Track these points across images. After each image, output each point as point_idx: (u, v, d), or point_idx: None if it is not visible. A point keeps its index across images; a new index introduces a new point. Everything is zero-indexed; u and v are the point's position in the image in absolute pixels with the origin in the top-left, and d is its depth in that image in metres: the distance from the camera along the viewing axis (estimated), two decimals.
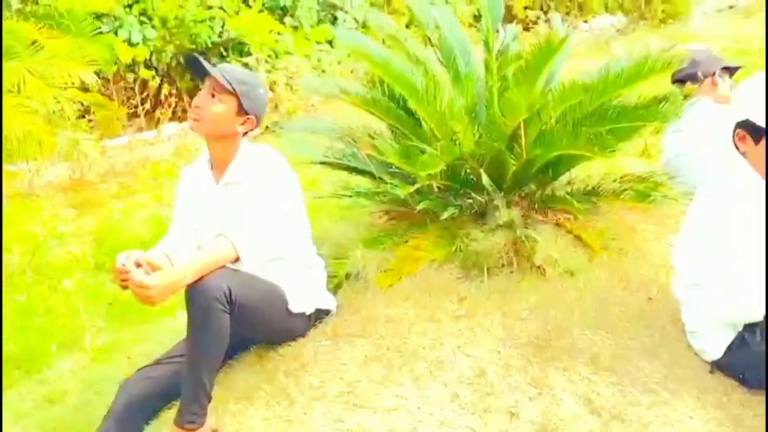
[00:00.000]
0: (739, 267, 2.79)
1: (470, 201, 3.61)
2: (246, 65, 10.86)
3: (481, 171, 3.44)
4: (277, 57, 11.24)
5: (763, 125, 2.78)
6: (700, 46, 12.44)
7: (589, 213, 3.69)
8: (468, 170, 3.60)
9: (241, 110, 3.30)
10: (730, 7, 16.70)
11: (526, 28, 13.64)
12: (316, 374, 3.31)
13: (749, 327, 2.89)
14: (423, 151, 3.47)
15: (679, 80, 4.35)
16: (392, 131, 3.91)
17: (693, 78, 4.27)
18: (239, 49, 11.54)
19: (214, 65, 3.33)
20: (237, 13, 11.96)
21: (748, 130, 2.85)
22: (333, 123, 4.04)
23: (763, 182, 2.87)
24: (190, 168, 3.58)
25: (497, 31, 4.06)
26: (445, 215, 3.48)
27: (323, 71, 11.18)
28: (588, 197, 3.66)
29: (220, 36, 11.44)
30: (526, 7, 16.76)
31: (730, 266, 2.80)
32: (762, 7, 15.31)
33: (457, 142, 3.55)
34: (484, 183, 3.43)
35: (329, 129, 3.99)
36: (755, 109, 2.81)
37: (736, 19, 15.02)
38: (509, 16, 16.85)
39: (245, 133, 3.35)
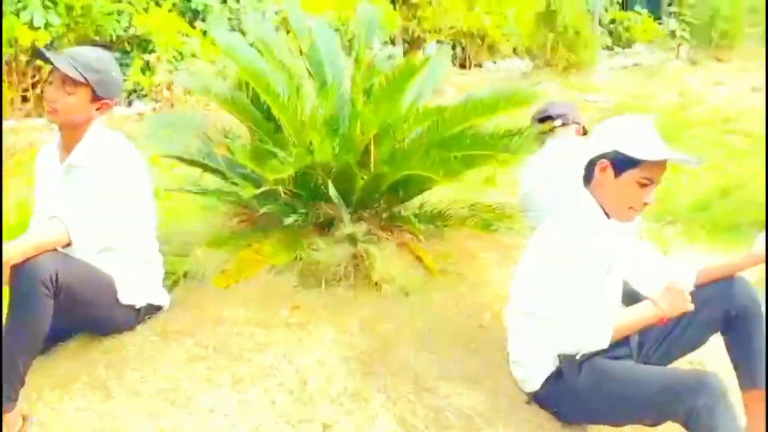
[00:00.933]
0: (574, 301, 2.83)
1: (318, 211, 3.61)
2: (147, 63, 10.73)
3: (329, 182, 3.43)
4: (182, 59, 11.10)
5: (635, 156, 2.84)
6: (599, 96, 12.78)
7: (435, 236, 3.72)
8: (319, 180, 3.59)
9: (96, 97, 3.23)
10: (635, 65, 17.23)
11: None
12: (137, 369, 3.24)
13: (567, 361, 2.93)
14: (276, 156, 3.45)
15: (544, 119, 4.44)
16: (252, 134, 3.89)
17: (564, 119, 4.37)
18: (144, 46, 11.37)
19: (60, 54, 3.23)
20: (146, 10, 11.79)
21: (614, 161, 2.89)
22: (198, 121, 3.99)
23: (604, 218, 2.94)
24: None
25: (371, 47, 4.08)
26: (288, 221, 3.47)
27: (225, 78, 11.09)
28: (433, 220, 3.69)
29: (125, 30, 11.27)
30: (438, 41, 16.94)
31: (564, 299, 2.85)
32: (662, 69, 15.85)
33: (311, 151, 3.54)
34: (331, 194, 3.43)
35: (188, 126, 3.94)
36: (626, 142, 2.86)
37: (638, 76, 15.47)
38: (420, 45, 17.02)
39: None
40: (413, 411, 3.06)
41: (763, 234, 3.15)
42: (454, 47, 17.46)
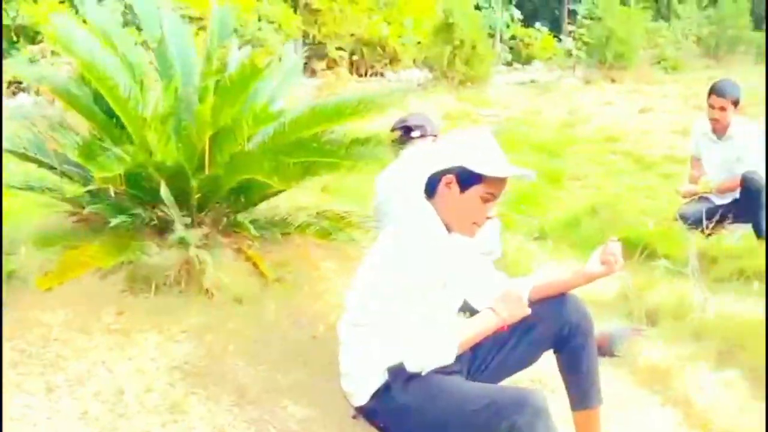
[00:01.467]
0: (418, 316, 2.76)
1: (153, 213, 3.46)
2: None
3: (162, 183, 3.29)
4: None
5: (482, 172, 2.79)
6: (491, 110, 12.86)
7: (277, 243, 3.61)
8: (155, 181, 3.44)
9: None
10: (532, 81, 17.48)
11: (330, 67, 13.75)
12: None
13: (395, 375, 2.85)
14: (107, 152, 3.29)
15: (403, 130, 4.38)
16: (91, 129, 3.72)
17: (422, 131, 4.33)
18: (31, 36, 11.04)
19: None
20: (35, 0, 11.47)
21: (459, 177, 2.84)
22: (30, 112, 3.81)
23: (445, 232, 2.88)
24: None
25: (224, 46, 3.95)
26: (114, 222, 3.30)
27: None
28: (272, 227, 3.58)
29: (13, 20, 10.92)
30: (338, 48, 16.93)
31: (407, 315, 2.77)
32: (556, 86, 16.11)
33: (148, 150, 3.40)
34: (163, 195, 3.29)
35: (23, 117, 3.75)
36: (471, 157, 2.81)
37: (533, 93, 15.68)
38: (322, 53, 16.99)
39: None
40: (233, 424, 2.94)
41: (598, 252, 3.13)
42: (353, 54, 17.48)
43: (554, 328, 3.02)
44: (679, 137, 10.27)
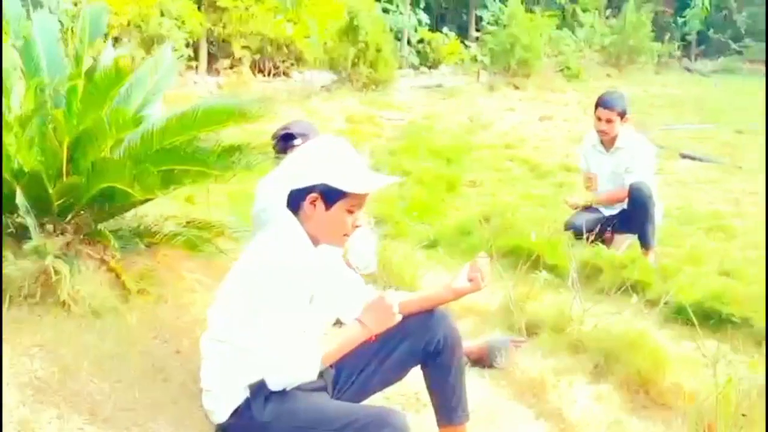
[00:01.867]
0: (280, 332, 2.67)
1: (10, 220, 3.30)
2: None
3: (18, 189, 3.14)
4: None
5: (347, 189, 2.72)
6: (393, 114, 12.79)
7: (141, 254, 3.47)
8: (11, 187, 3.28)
9: None
10: (438, 86, 17.55)
11: (233, 66, 13.56)
12: None
13: (256, 392, 2.76)
14: None
15: (286, 137, 4.30)
16: None
17: (305, 139, 4.25)
18: None
19: None
20: None
21: (323, 194, 2.76)
22: None
23: (311, 245, 2.81)
24: None
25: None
26: None
27: None
28: (136, 237, 3.45)
29: None
30: (244, 47, 16.73)
31: (269, 330, 2.68)
32: (461, 91, 16.20)
33: (7, 155, 3.23)
34: (18, 202, 3.13)
35: None
36: (334, 174, 2.74)
37: (437, 97, 15.73)
38: (228, 51, 16.74)
39: None
40: None
41: (466, 268, 3.10)
42: (259, 54, 17.30)
43: (421, 344, 2.98)
44: (576, 145, 10.37)
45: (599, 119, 6.35)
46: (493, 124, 12.41)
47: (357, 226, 2.88)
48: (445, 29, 22.27)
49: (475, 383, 4.19)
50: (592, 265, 5.98)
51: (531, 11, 19.13)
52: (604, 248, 6.26)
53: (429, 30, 22.36)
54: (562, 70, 18.73)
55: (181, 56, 16.70)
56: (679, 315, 5.35)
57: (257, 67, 16.77)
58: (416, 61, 21.32)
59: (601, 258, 5.97)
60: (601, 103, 6.35)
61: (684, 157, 11.07)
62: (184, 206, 3.93)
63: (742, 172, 10.36)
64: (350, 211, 2.82)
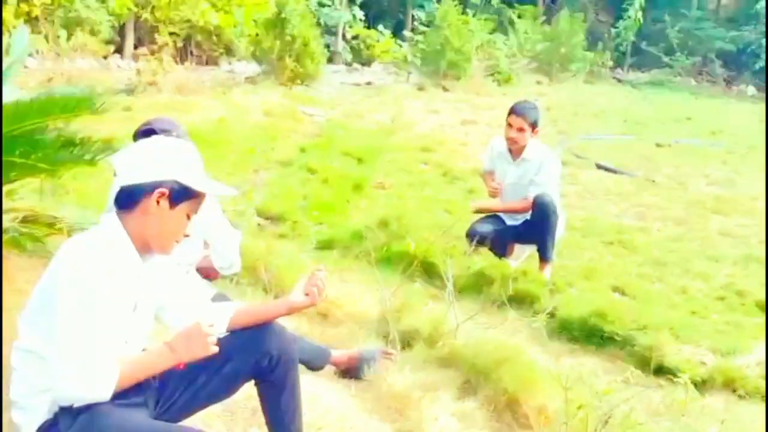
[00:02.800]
0: (77, 344, 2.48)
1: None
2: None
3: None
4: None
5: (201, 189, 2.59)
6: (315, 110, 12.65)
7: None
8: None
9: None
10: (368, 83, 17.42)
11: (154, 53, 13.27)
12: None
13: (64, 408, 2.57)
14: None
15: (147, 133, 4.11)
16: None
17: (167, 135, 4.07)
18: None
19: None
20: None
21: (172, 192, 2.59)
22: None
23: (134, 250, 2.63)
24: None
25: None
26: None
27: None
28: None
29: None
30: (171, 33, 16.42)
31: (66, 341, 2.48)
32: (389, 90, 16.09)
33: None
34: None
35: None
36: (187, 172, 2.60)
37: (364, 95, 15.60)
38: (153, 38, 16.37)
39: None
40: None
41: (303, 281, 2.96)
42: (188, 40, 17.00)
43: (253, 359, 2.83)
44: None
45: (510, 126, 6.26)
46: (414, 126, 12.29)
47: (187, 236, 2.72)
48: (380, 27, 22.10)
49: (339, 395, 4.08)
50: (484, 276, 5.90)
51: (465, 14, 19.12)
52: (506, 260, 6.20)
53: (365, 27, 22.21)
54: (492, 75, 18.70)
55: (108, 41, 16.36)
56: (563, 331, 5.31)
57: (183, 55, 16.46)
58: (349, 57, 21.16)
59: (494, 269, 5.89)
60: (515, 111, 6.27)
61: (599, 167, 11.07)
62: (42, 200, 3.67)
63: (654, 186, 10.39)
64: (189, 216, 2.67)
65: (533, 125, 6.20)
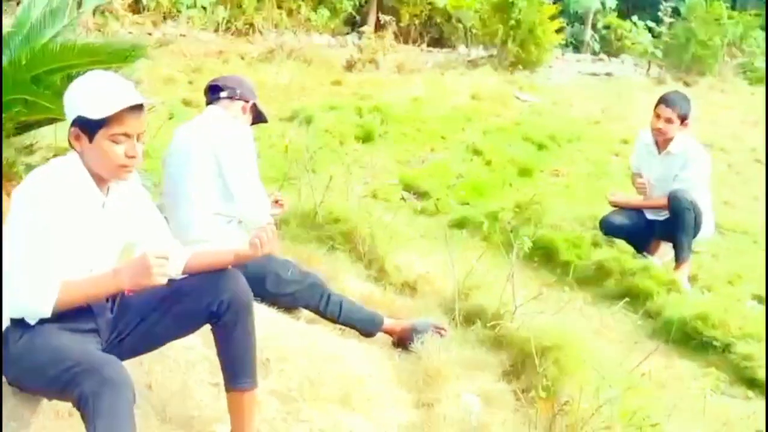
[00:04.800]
0: (20, 261, 2.68)
1: None
2: None
3: None
4: None
5: (92, 116, 2.71)
6: (530, 96, 12.54)
7: None
8: None
9: None
10: (608, 74, 16.93)
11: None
12: None
13: (15, 325, 2.77)
14: None
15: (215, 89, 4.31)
16: None
17: (231, 93, 4.26)
18: None
19: None
20: None
21: (82, 127, 2.78)
22: None
23: (91, 182, 2.81)
24: None
25: None
26: None
27: None
28: None
29: None
30: (413, 15, 16.73)
31: (11, 259, 2.70)
32: (630, 82, 15.54)
33: None
34: None
35: None
36: (85, 104, 2.74)
37: (599, 84, 15.21)
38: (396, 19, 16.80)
39: None
40: None
41: (253, 233, 3.02)
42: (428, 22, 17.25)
43: (204, 303, 2.92)
44: None
45: (658, 116, 6.01)
46: (626, 119, 11.81)
47: (131, 157, 2.78)
48: (635, 17, 21.25)
49: (379, 363, 4.12)
50: (603, 268, 5.69)
51: (728, 8, 18.02)
52: (648, 257, 5.95)
53: (619, 17, 21.50)
54: (745, 73, 17.54)
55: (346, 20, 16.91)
56: (664, 331, 5.03)
57: (422, 37, 16.75)
58: (597, 47, 20.61)
59: (614, 261, 5.66)
60: (664, 101, 6.02)
61: None
62: None
63: None
64: (115, 141, 2.75)
65: (682, 117, 5.91)
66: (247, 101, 4.29)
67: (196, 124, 4.18)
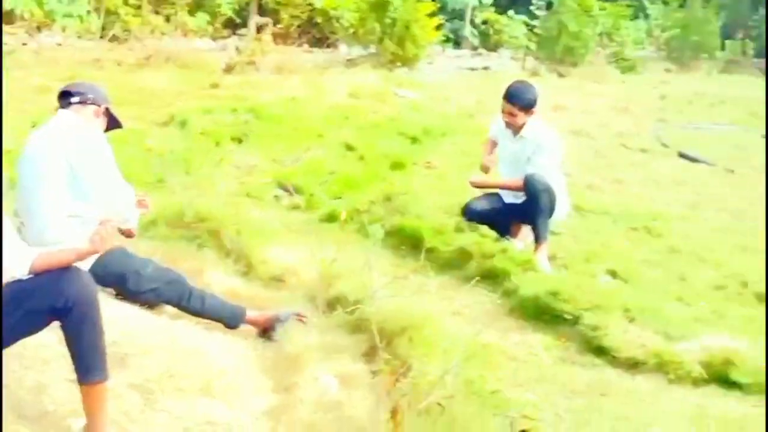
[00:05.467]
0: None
1: None
2: None
3: None
4: None
5: None
6: (406, 92, 12.75)
7: None
8: None
9: None
10: (485, 68, 17.37)
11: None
12: None
13: None
14: None
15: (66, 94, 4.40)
16: None
17: (82, 98, 4.34)
18: None
19: None
20: None
21: None
22: None
23: None
24: None
25: None
26: None
27: None
28: None
29: None
30: (293, 16, 16.85)
31: None
32: (507, 74, 15.98)
33: None
34: None
35: None
36: None
37: (477, 79, 15.58)
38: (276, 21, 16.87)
39: None
40: None
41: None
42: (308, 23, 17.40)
43: (48, 301, 3.01)
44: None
45: (503, 110, 6.26)
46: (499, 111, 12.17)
47: None
48: (511, 12, 21.86)
49: (242, 352, 4.25)
50: (465, 252, 5.93)
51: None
52: (510, 240, 6.20)
53: (497, 12, 22.05)
54: (616, 62, 18.25)
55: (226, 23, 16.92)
56: (521, 308, 5.29)
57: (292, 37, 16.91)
58: (477, 42, 21.10)
59: (475, 245, 5.91)
60: (505, 96, 6.24)
61: (681, 156, 10.72)
62: None
63: (730, 176, 10.00)
64: None
65: (526, 108, 6.15)
66: (99, 106, 4.37)
67: (48, 129, 4.25)
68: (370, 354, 4.29)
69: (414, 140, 9.45)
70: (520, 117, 6.17)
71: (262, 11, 17.88)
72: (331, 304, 4.69)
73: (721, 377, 4.57)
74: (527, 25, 20.04)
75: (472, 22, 21.02)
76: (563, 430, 3.98)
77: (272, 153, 8.59)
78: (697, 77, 19.09)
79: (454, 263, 5.89)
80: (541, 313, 5.13)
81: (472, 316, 5.20)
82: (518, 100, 6.16)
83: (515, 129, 6.28)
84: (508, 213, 6.37)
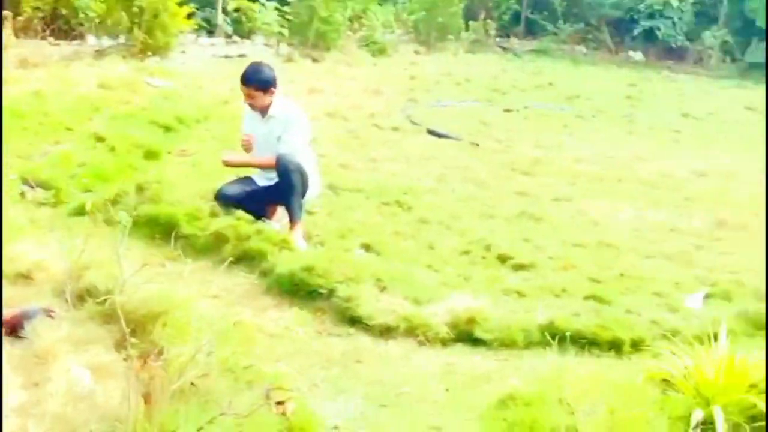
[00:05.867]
0: None
1: None
2: None
3: None
4: None
5: None
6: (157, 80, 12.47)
7: None
8: None
9: None
10: (241, 56, 17.28)
11: None
12: None
13: None
14: None
15: None
16: None
17: None
18: None
19: None
20: None
21: None
22: None
23: None
24: None
25: None
26: None
27: None
28: None
29: None
30: (35, 8, 16.11)
31: None
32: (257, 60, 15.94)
33: None
34: None
35: None
36: None
37: (233, 66, 15.47)
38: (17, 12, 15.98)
39: None
40: None
41: None
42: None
43: None
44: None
45: (243, 94, 6.37)
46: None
47: None
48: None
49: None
50: (221, 236, 5.96)
51: None
52: (268, 222, 6.28)
53: None
54: (367, 45, 18.72)
55: None
56: (277, 286, 5.40)
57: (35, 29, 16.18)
58: (230, 29, 20.96)
59: (230, 229, 5.95)
60: (241, 79, 6.36)
61: (429, 133, 11.21)
62: None
63: (475, 149, 10.59)
64: None
65: (263, 88, 6.27)
66: None
67: None
68: (123, 343, 4.27)
69: (167, 129, 9.35)
70: (260, 98, 6.31)
71: (0, 4, 16.94)
72: (82, 297, 4.61)
73: (467, 335, 4.88)
74: (279, 11, 20.15)
75: (224, 10, 20.81)
76: (320, 398, 4.13)
77: (18, 149, 8.22)
78: (444, 58, 19.92)
79: (211, 248, 5.91)
80: (297, 290, 5.26)
81: (230, 298, 5.26)
82: (253, 81, 6.29)
83: (262, 110, 6.39)
84: (263, 195, 6.48)
